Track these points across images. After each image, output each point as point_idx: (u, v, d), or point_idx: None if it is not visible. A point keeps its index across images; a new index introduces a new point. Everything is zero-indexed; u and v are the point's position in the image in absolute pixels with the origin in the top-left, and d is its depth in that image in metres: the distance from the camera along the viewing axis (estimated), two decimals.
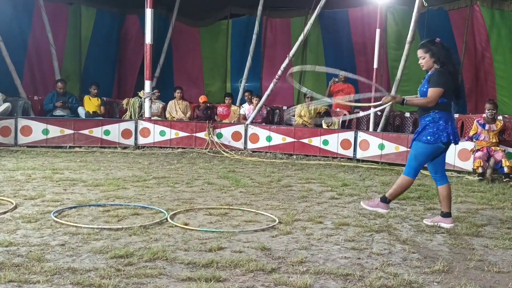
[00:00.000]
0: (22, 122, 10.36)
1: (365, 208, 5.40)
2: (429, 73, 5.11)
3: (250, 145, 11.06)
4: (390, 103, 5.43)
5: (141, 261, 3.73)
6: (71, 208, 5.35)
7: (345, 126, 11.63)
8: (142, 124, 10.98)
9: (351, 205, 6.04)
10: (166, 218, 4.99)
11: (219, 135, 11.08)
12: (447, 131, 4.98)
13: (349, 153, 10.20)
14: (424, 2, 10.19)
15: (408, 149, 9.42)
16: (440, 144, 5.01)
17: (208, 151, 10.79)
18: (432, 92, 4.92)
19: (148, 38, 10.93)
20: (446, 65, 5.03)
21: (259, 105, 11.55)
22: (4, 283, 3.23)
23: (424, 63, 5.15)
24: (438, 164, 5.21)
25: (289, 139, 10.60)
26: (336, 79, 12.54)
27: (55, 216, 4.87)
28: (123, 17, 15.08)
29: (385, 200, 5.25)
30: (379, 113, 10.92)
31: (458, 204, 6.35)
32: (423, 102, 5.01)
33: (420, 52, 5.15)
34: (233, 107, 12.52)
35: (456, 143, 5.13)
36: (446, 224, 5.10)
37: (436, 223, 5.14)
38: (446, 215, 5.13)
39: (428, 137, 4.99)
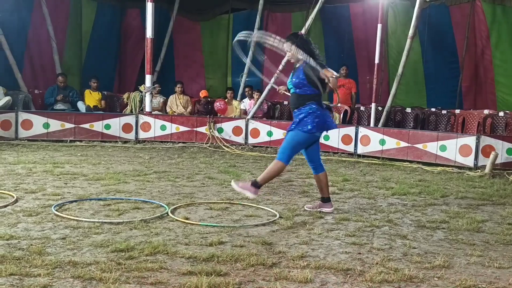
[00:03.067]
0: (23, 116, 10.35)
1: (234, 189, 5.29)
2: (298, 66, 5.22)
3: (251, 140, 11.05)
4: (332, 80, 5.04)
5: (142, 255, 3.73)
6: (71, 202, 5.35)
7: (347, 121, 11.63)
8: (143, 119, 10.97)
9: (351, 200, 6.04)
10: (167, 212, 5.00)
11: (220, 130, 11.07)
12: (325, 121, 5.17)
13: (350, 148, 10.19)
14: None
15: (409, 145, 9.48)
16: (317, 134, 5.22)
17: (209, 146, 10.79)
18: (330, 70, 4.97)
19: (149, 32, 10.90)
20: (310, 57, 5.08)
21: (260, 100, 11.54)
22: (5, 276, 3.23)
23: (291, 56, 5.28)
24: (314, 152, 5.38)
25: None
26: (337, 75, 12.48)
27: (56, 210, 4.87)
28: (124, 11, 15.03)
29: (255, 185, 5.18)
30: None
31: (459, 199, 6.36)
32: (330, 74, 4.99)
33: (287, 46, 5.23)
34: (234, 102, 12.50)
35: (329, 129, 5.29)
36: (327, 209, 5.33)
37: (317, 210, 5.33)
38: (326, 200, 5.37)
39: (309, 127, 5.12)
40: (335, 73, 4.94)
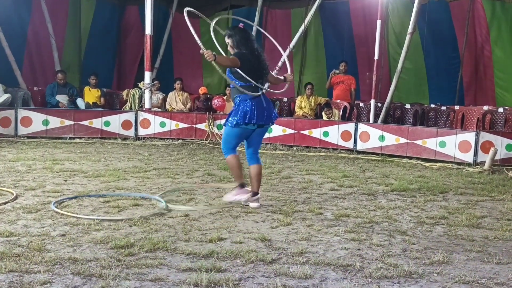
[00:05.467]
0: (22, 113, 10.34)
1: (229, 202, 5.34)
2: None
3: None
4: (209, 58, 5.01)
5: (142, 252, 3.74)
6: (70, 198, 5.35)
7: (346, 117, 11.64)
8: (142, 115, 10.97)
9: (351, 197, 6.05)
10: (166, 206, 4.99)
11: (220, 127, 11.06)
12: (253, 113, 5.12)
13: (349, 144, 10.19)
14: None
15: (409, 141, 9.48)
16: (250, 126, 5.20)
17: (208, 143, 10.78)
18: (231, 57, 5.11)
19: (148, 29, 10.88)
20: (242, 49, 5.18)
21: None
22: (5, 273, 3.24)
23: (230, 49, 5.34)
24: (250, 143, 5.42)
25: (289, 131, 10.58)
26: (337, 71, 12.52)
27: (56, 207, 4.88)
28: (123, 8, 15.02)
29: (240, 186, 5.33)
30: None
31: (458, 195, 6.36)
32: (227, 61, 5.09)
33: (226, 39, 5.32)
34: None
35: (258, 122, 5.21)
36: (253, 204, 5.29)
37: (243, 201, 5.31)
38: (255, 194, 5.34)
39: (234, 122, 5.17)
40: (208, 53, 4.86)
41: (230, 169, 5.44)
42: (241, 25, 5.35)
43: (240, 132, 5.25)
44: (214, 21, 5.48)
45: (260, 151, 9.25)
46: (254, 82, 5.14)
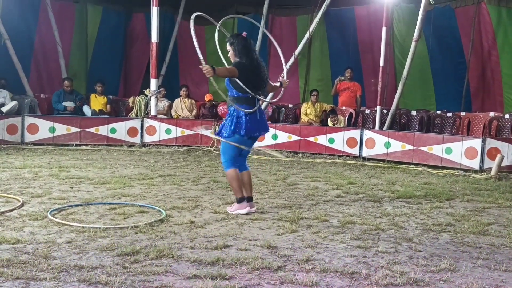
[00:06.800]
0: (29, 120, 10.40)
1: (231, 214, 5.32)
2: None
3: (256, 144, 11.00)
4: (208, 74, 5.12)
5: (147, 259, 3.74)
6: (65, 207, 5.36)
7: (351, 124, 11.63)
8: (148, 122, 11.00)
9: (357, 203, 6.03)
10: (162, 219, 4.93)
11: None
12: (246, 125, 5.16)
13: (355, 151, 10.18)
14: (431, 0, 10.15)
15: (414, 147, 9.46)
16: (245, 137, 5.23)
17: (214, 149, 10.79)
18: (230, 67, 5.16)
19: (154, 36, 10.94)
20: (243, 58, 5.20)
21: (264, 103, 11.53)
22: (11, 280, 3.25)
23: (230, 56, 5.37)
24: (244, 151, 5.43)
25: (294, 137, 10.58)
26: (342, 78, 12.52)
27: (53, 216, 4.82)
28: (129, 16, 15.11)
29: (238, 200, 5.33)
30: None
31: (465, 202, 6.33)
32: (226, 71, 5.15)
33: (228, 46, 5.35)
34: None
35: (251, 134, 5.27)
36: (249, 209, 5.30)
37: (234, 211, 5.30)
38: (250, 199, 5.35)
39: (225, 134, 5.21)
40: (207, 69, 4.95)
41: (229, 182, 5.44)
42: (244, 34, 5.36)
43: (237, 142, 5.25)
44: (220, 22, 5.50)
45: (265, 158, 9.21)
46: (252, 93, 5.16)
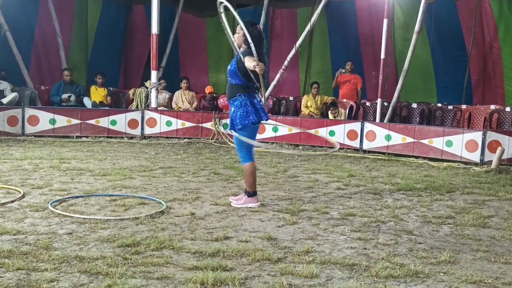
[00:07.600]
0: (29, 111, 10.39)
1: (236, 207, 5.28)
2: (240, 51, 5.20)
3: (257, 136, 11.00)
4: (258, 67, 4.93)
5: (148, 250, 3.75)
6: (65, 199, 5.37)
7: (352, 117, 11.62)
8: (149, 114, 10.99)
9: (357, 196, 6.04)
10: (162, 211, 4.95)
11: (225, 126, 11.07)
12: (255, 112, 5.16)
13: (355, 144, 10.18)
14: None
15: (415, 140, 9.45)
16: (255, 125, 5.22)
17: (214, 142, 10.80)
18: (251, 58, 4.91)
19: (154, 28, 10.91)
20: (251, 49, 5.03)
21: (265, 95, 11.52)
22: (12, 271, 3.26)
23: (237, 38, 5.26)
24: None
25: (295, 130, 10.58)
26: (343, 70, 12.50)
27: (54, 207, 4.85)
28: (130, 7, 15.05)
29: (249, 194, 5.31)
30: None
31: (465, 195, 6.34)
32: (252, 63, 4.91)
33: (238, 28, 5.19)
34: None
35: (265, 119, 5.32)
36: (252, 204, 5.26)
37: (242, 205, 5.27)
38: (253, 194, 5.31)
39: (240, 125, 5.15)
40: (256, 62, 4.78)
41: (245, 176, 5.34)
42: (259, 25, 5.27)
43: (249, 132, 5.23)
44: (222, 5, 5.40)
45: (266, 150, 9.19)
46: (258, 84, 5.12)
